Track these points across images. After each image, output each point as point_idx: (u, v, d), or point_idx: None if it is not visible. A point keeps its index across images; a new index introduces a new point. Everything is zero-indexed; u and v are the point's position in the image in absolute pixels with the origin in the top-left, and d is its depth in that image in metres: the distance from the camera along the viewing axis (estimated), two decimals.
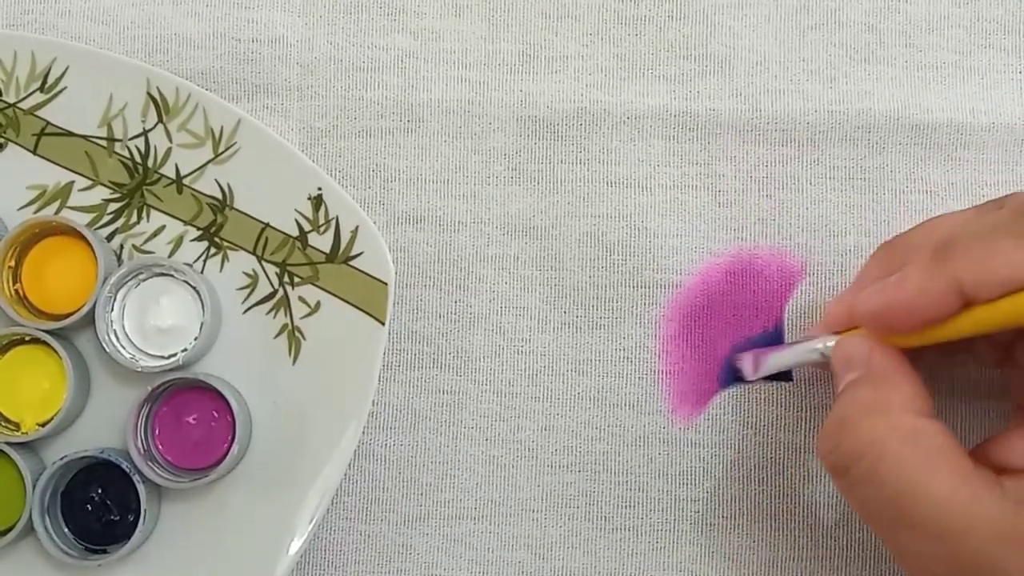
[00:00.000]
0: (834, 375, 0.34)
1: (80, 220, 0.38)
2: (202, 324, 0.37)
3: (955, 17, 0.41)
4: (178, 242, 0.39)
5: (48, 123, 0.39)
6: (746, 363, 0.38)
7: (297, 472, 0.37)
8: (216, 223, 0.38)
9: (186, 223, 0.38)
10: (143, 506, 0.36)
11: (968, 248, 0.30)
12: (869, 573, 0.39)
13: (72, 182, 0.39)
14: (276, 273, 0.38)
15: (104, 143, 0.39)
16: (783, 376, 0.39)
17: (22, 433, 0.37)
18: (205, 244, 0.38)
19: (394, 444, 0.39)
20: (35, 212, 0.39)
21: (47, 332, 0.37)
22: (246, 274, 0.38)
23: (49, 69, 0.38)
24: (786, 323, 0.39)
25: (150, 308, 0.38)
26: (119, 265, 0.38)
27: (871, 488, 0.31)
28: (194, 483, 0.36)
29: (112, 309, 0.37)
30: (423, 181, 0.40)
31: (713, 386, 0.39)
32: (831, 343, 0.34)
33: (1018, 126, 0.40)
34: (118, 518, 0.37)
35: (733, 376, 0.39)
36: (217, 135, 0.38)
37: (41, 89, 0.39)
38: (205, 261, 0.38)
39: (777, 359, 0.37)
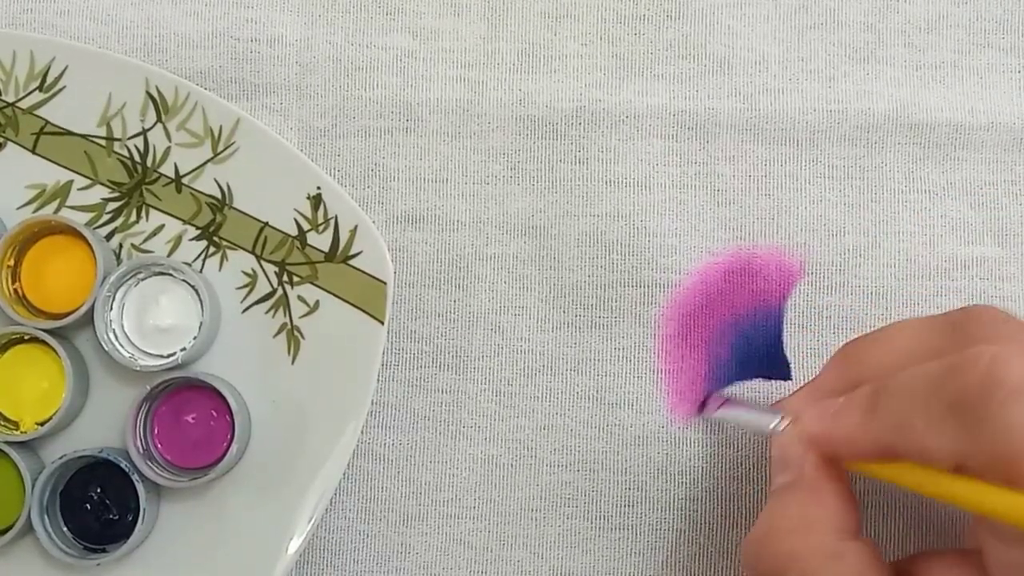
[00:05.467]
0: (771, 467, 0.34)
1: (79, 219, 0.38)
2: (201, 323, 0.37)
3: (954, 17, 0.41)
4: (177, 241, 0.39)
5: (47, 122, 0.39)
6: (713, 402, 0.38)
7: (296, 471, 0.37)
8: (215, 222, 0.38)
9: (185, 222, 0.38)
10: (142, 505, 0.36)
11: (892, 411, 0.30)
12: None
13: (71, 181, 0.39)
14: (275, 272, 0.38)
15: (103, 142, 0.39)
16: (782, 375, 0.39)
17: (21, 432, 0.37)
18: (204, 243, 0.38)
19: (393, 443, 0.39)
20: (34, 211, 0.39)
21: (46, 331, 0.37)
22: (245, 273, 0.38)
23: (48, 68, 0.38)
24: (785, 323, 0.39)
25: (149, 307, 0.37)
26: (118, 264, 0.38)
27: None
28: (193, 482, 0.36)
29: (111, 308, 0.37)
30: (422, 180, 0.40)
31: (712, 385, 0.39)
32: (781, 427, 0.34)
33: (1017, 126, 0.40)
34: (117, 517, 0.37)
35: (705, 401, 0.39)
36: (216, 134, 0.38)
37: (40, 88, 0.39)
38: (204, 260, 0.38)
39: (730, 413, 0.37)
